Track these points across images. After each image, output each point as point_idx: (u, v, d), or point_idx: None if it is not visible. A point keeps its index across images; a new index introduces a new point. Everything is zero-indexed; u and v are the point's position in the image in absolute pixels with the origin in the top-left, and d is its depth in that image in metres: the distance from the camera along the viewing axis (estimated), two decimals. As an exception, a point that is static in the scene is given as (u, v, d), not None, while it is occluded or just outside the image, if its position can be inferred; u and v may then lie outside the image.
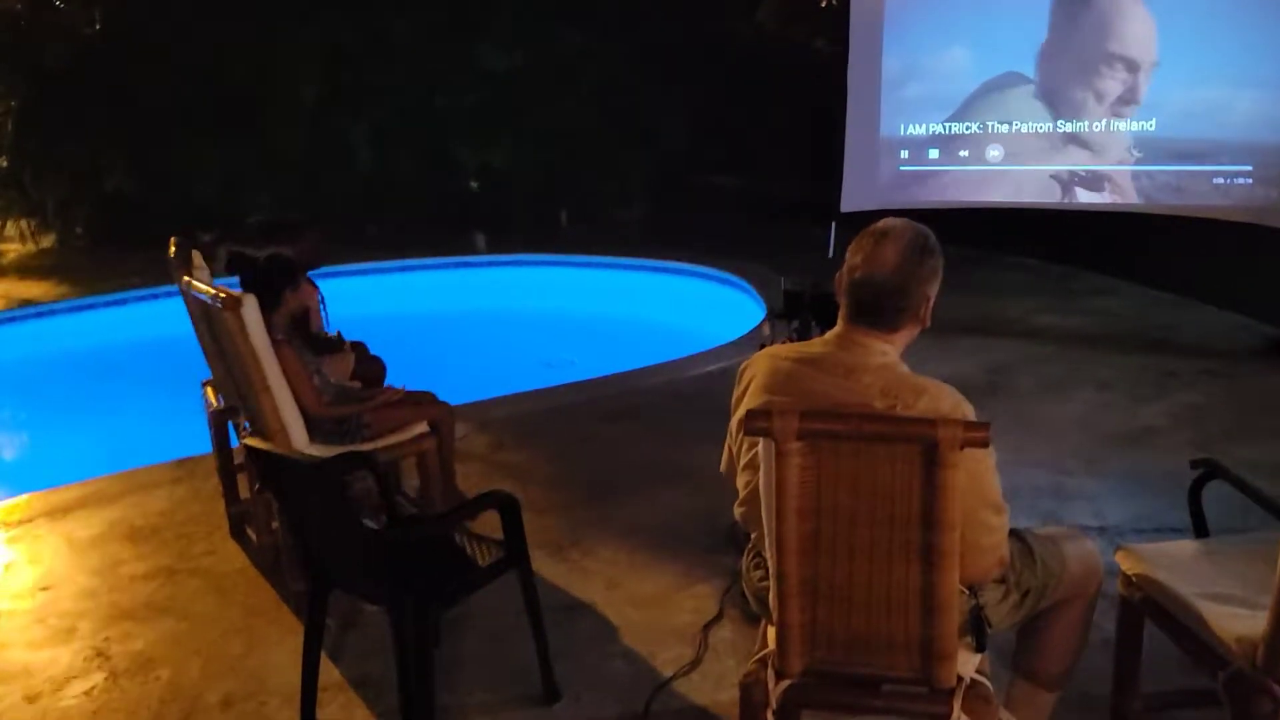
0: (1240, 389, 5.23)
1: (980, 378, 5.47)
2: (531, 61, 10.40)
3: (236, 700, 2.84)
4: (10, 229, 11.45)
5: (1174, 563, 2.22)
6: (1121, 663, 2.36)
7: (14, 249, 11.20)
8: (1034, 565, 2.10)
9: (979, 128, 7.32)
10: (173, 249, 3.70)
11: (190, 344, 3.87)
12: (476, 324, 8.58)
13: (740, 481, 2.10)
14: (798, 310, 3.26)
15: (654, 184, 10.94)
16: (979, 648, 1.97)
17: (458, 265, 9.79)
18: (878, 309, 1.92)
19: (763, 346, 2.49)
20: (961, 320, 6.48)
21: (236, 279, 3.35)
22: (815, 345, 2.01)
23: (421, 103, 10.43)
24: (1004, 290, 7.60)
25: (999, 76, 7.24)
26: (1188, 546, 2.33)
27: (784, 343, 2.54)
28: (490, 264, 9.84)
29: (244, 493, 3.82)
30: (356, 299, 8.83)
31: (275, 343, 3.17)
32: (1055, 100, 7.02)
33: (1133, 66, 6.67)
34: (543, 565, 3.52)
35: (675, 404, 5.27)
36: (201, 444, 4.11)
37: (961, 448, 1.69)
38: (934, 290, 1.97)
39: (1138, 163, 6.77)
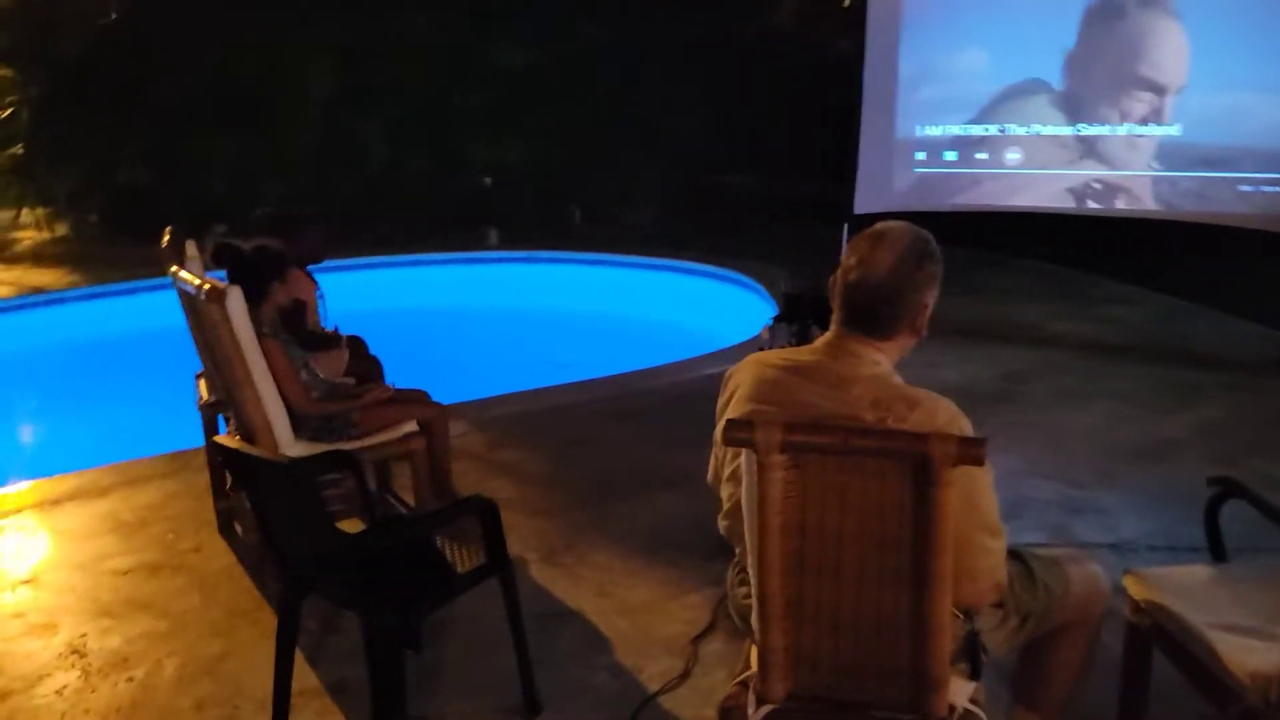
0: (1262, 402, 5.09)
1: (993, 384, 5.33)
2: (545, 59, 10.31)
3: (210, 705, 2.76)
4: (25, 217, 11.46)
5: (1185, 589, 2.10)
6: (1128, 692, 2.25)
7: (29, 237, 11.21)
8: (1034, 589, 1.99)
9: (998, 131, 7.16)
10: (166, 239, 3.62)
11: (193, 335, 3.79)
12: (485, 321, 8.52)
13: (724, 493, 2.00)
14: (798, 313, 3.16)
15: (667, 183, 10.84)
16: (974, 675, 1.86)
17: (469, 261, 9.73)
18: (871, 315, 1.81)
19: (761, 350, 2.39)
20: (975, 325, 6.36)
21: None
22: (804, 353, 1.90)
23: (435, 99, 10.36)
24: (1019, 295, 7.46)
25: (1021, 81, 7.09)
26: (1201, 571, 2.21)
27: (784, 347, 2.44)
28: (501, 260, 9.77)
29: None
30: (366, 293, 8.83)
31: (261, 336, 3.09)
32: (1077, 109, 6.87)
33: (1161, 90, 6.53)
34: (534, 570, 3.44)
35: (678, 406, 5.17)
36: (198, 437, 4.05)
37: (956, 465, 1.58)
38: (932, 298, 1.86)
39: (1160, 169, 6.61)
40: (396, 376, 4.03)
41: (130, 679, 2.88)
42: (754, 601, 1.83)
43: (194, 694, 2.81)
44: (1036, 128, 7.02)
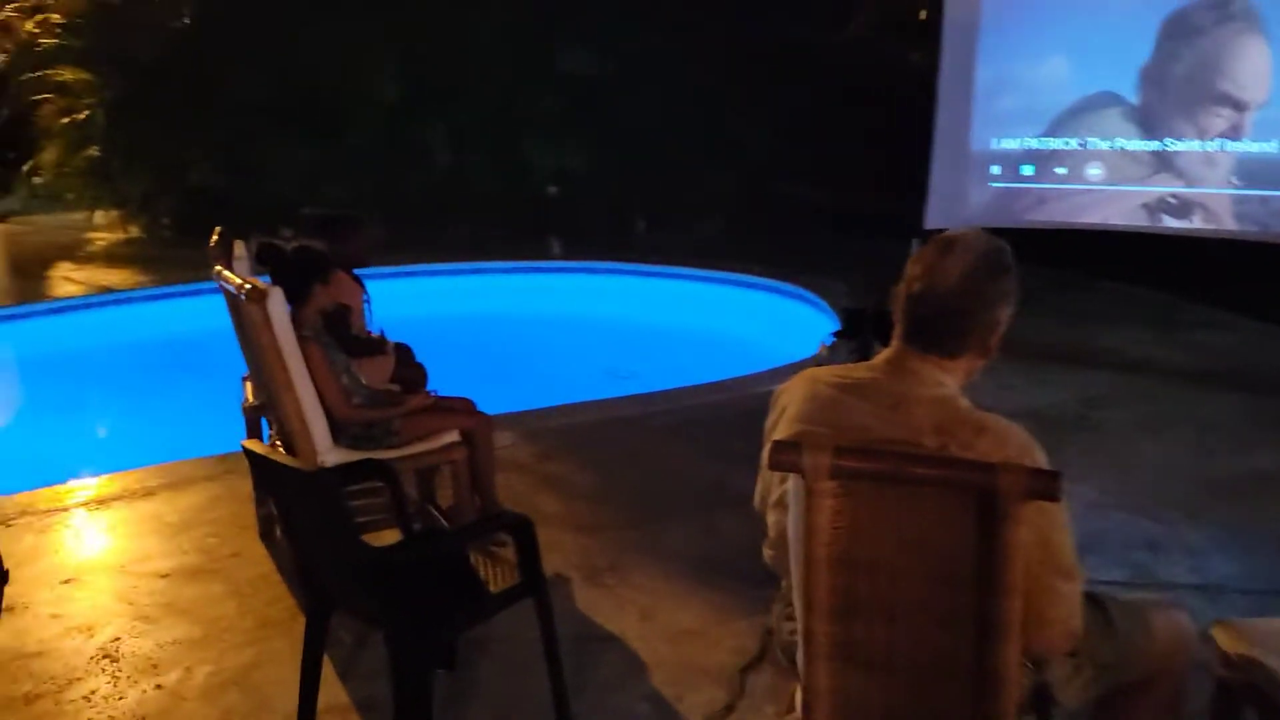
0: (1363, 436, 4.74)
1: (1070, 411, 5.06)
2: (613, 65, 10.23)
3: (235, 716, 2.67)
4: (101, 218, 11.73)
5: (1284, 642, 1.89)
6: (1215, 754, 2.02)
7: (103, 237, 11.46)
8: (1113, 638, 1.79)
9: (1077, 144, 6.87)
10: (214, 238, 3.59)
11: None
12: (545, 330, 8.46)
13: (770, 520, 1.84)
14: (859, 329, 2.98)
15: (733, 193, 10.67)
16: (1042, 731, 1.68)
17: (531, 270, 9.67)
18: (936, 331, 1.64)
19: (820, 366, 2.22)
20: (1053, 347, 6.07)
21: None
22: (861, 370, 1.74)
23: (501, 105, 10.35)
24: (1099, 318, 7.14)
25: (1095, 93, 6.80)
26: (1301, 623, 1.98)
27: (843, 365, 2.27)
28: (563, 269, 9.70)
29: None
30: (428, 300, 8.83)
31: (301, 339, 3.01)
32: (1152, 123, 6.58)
33: (1241, 106, 6.23)
34: (576, 589, 3.31)
35: (736, 423, 4.97)
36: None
37: (1027, 499, 1.41)
38: (1006, 315, 1.68)
39: (1240, 186, 6.28)
40: (451, 385, 3.91)
41: (159, 686, 2.81)
42: (799, 639, 1.67)
43: (221, 704, 2.73)
44: (1115, 142, 6.73)
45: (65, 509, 4.03)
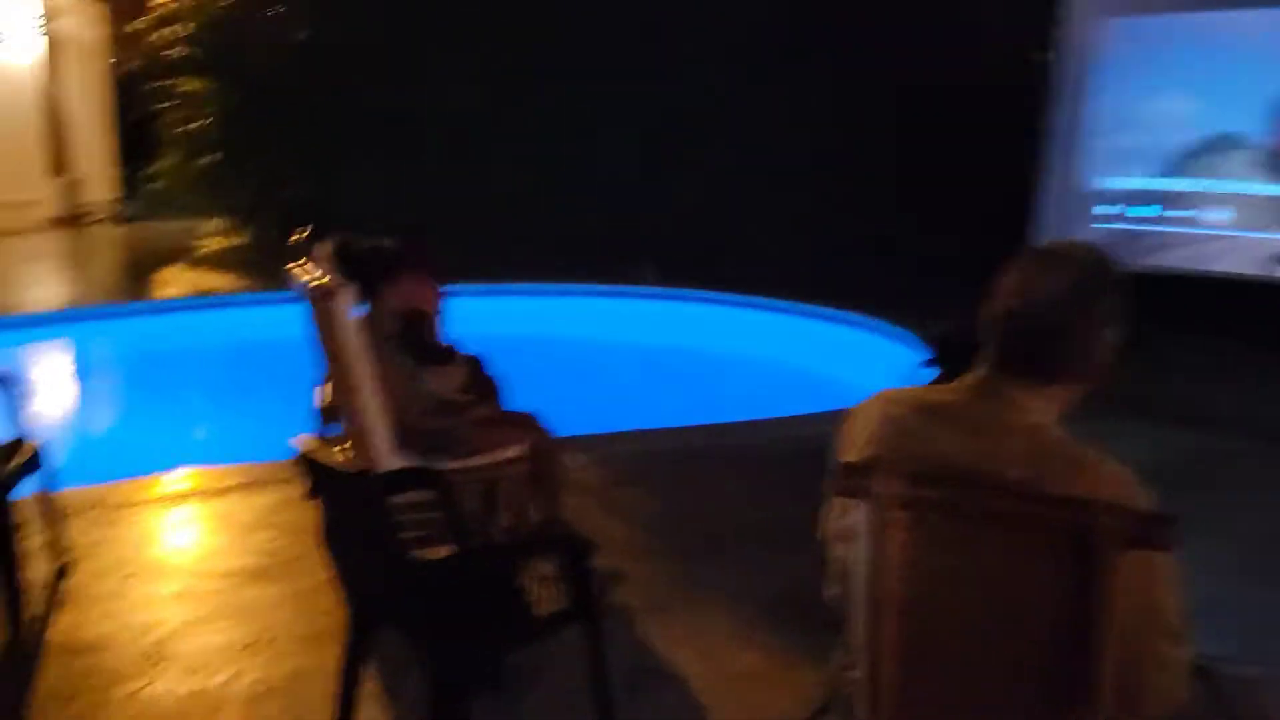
0: None
1: (1179, 467, 4.71)
2: (710, 92, 10.15)
3: (273, 729, 2.60)
4: (211, 224, 12.12)
5: None
6: None
7: (213, 243, 11.84)
8: (1221, 716, 1.57)
9: (1197, 187, 6.51)
10: (296, 238, 3.56)
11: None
12: (628, 355, 8.38)
13: (834, 554, 1.68)
14: (949, 359, 2.78)
15: (829, 226, 10.43)
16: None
17: (617, 294, 9.61)
18: (1031, 352, 1.46)
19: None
20: (1161, 398, 5.71)
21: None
22: (945, 391, 1.56)
23: (593, 128, 10.36)
24: (1216, 371, 6.70)
25: (1218, 134, 6.43)
26: None
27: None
28: (649, 296, 9.61)
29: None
30: (511, 318, 8.84)
31: (372, 340, 2.95)
32: (1281, 167, 6.18)
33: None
34: (636, 621, 3.16)
35: (815, 459, 4.77)
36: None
37: (1130, 547, 1.23)
38: (1112, 338, 1.49)
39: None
40: (527, 404, 3.81)
41: (203, 689, 2.76)
42: (860, 689, 1.50)
43: (261, 713, 2.66)
44: (1242, 185, 6.33)
45: (137, 504, 4.05)
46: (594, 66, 10.02)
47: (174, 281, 9.83)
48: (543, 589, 2.40)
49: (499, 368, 4.15)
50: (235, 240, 11.77)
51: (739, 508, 4.20)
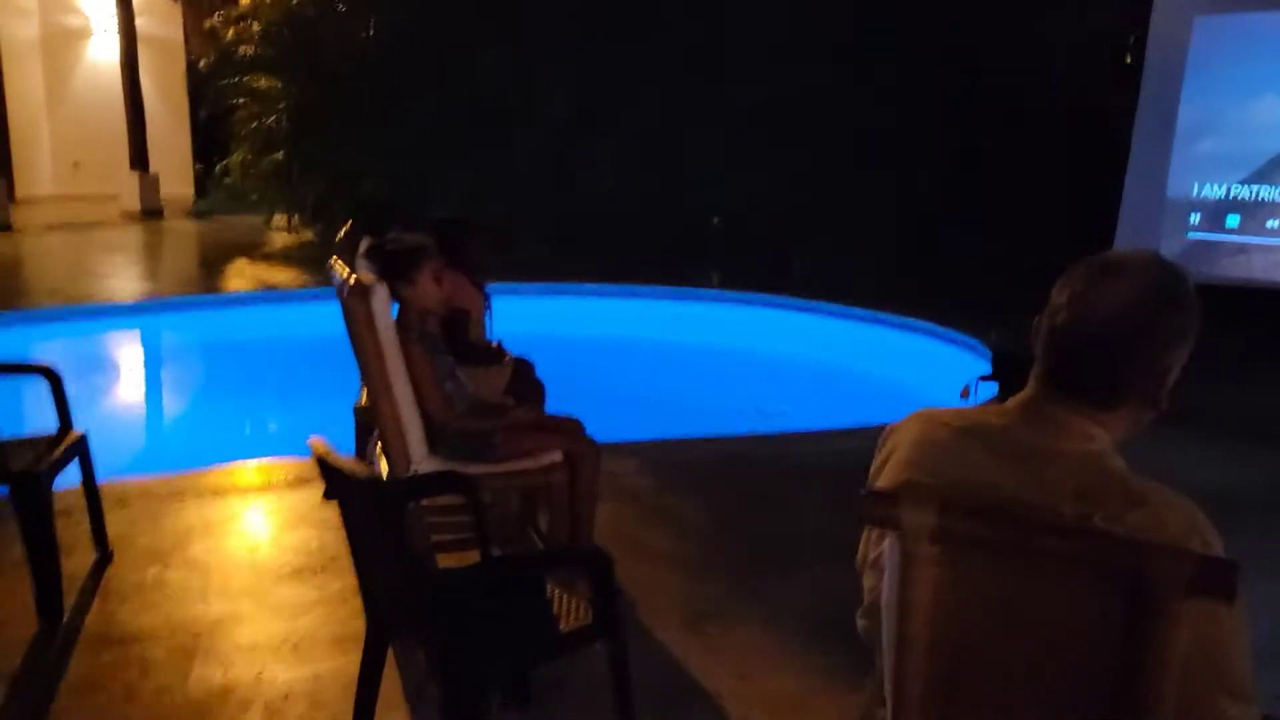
0: None
1: (1262, 493, 4.44)
2: (786, 96, 9.99)
3: (292, 731, 2.54)
4: (280, 220, 12.31)
5: None
6: None
7: (281, 239, 12.02)
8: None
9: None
10: (343, 232, 3.53)
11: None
12: (694, 359, 8.27)
13: (866, 585, 1.55)
14: (1009, 372, 2.62)
15: (901, 233, 10.20)
16: None
17: (685, 297, 9.50)
18: (1084, 372, 1.31)
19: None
20: (1249, 422, 5.40)
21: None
22: (990, 413, 1.41)
23: (668, 132, 10.27)
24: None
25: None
26: None
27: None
28: (717, 299, 9.49)
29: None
30: (578, 319, 8.79)
31: (405, 339, 2.89)
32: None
33: None
34: (673, 636, 3.04)
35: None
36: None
37: (1191, 595, 1.08)
38: (1179, 360, 1.33)
39: None
40: (578, 408, 3.66)
41: (226, 686, 2.72)
42: (888, 734, 1.37)
43: (288, 713, 2.60)
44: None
45: (182, 495, 4.06)
46: (680, 69, 9.95)
47: (240, 275, 9.99)
48: (569, 603, 2.30)
49: (553, 368, 4.07)
50: (303, 236, 11.94)
51: (789, 521, 4.06)
